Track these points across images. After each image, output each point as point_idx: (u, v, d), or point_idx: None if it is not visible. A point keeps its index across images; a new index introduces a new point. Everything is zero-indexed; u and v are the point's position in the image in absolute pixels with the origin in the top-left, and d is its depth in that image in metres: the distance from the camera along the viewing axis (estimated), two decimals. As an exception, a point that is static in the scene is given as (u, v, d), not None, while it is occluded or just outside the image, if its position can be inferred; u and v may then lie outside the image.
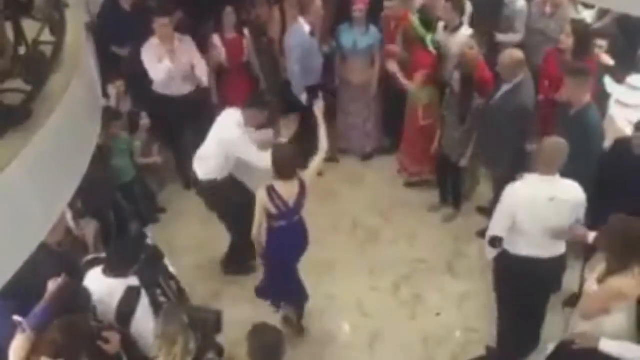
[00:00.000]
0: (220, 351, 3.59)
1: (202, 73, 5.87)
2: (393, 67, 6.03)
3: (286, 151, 4.43)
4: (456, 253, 5.72)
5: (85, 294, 3.54)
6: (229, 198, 5.05)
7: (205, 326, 3.37)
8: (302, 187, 4.40)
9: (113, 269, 3.70)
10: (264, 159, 4.53)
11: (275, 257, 4.61)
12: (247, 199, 4.77)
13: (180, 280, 4.04)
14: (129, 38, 5.99)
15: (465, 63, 5.41)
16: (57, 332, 3.15)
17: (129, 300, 3.63)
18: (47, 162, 2.33)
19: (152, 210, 6.07)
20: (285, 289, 4.80)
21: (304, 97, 6.07)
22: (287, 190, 4.36)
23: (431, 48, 5.80)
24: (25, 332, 3.25)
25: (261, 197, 4.38)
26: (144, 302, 3.66)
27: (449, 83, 5.55)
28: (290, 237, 4.54)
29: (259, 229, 4.49)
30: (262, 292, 4.88)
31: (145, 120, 5.73)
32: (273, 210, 4.38)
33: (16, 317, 3.33)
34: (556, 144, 4.10)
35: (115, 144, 5.38)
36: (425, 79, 5.83)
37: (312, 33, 5.98)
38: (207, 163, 5.06)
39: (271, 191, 4.34)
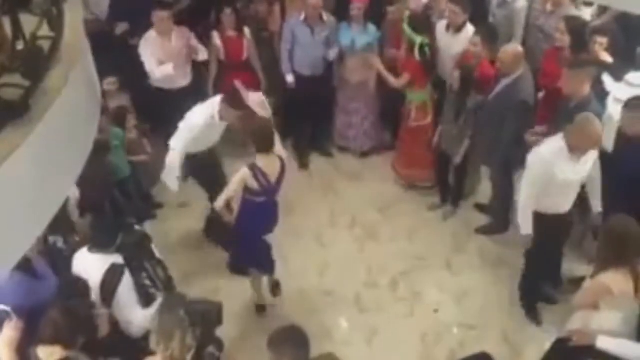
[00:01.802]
0: (220, 345, 3.60)
1: (202, 52, 5.99)
2: (377, 62, 6.07)
3: (263, 123, 4.54)
4: (455, 250, 5.72)
5: (84, 284, 3.64)
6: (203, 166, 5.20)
7: (206, 318, 3.38)
8: (283, 165, 4.54)
9: (96, 244, 3.79)
10: (175, 150, 4.88)
11: (247, 230, 4.68)
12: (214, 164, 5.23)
13: (174, 276, 4.07)
14: (144, 30, 5.98)
15: (467, 60, 5.41)
16: (57, 313, 3.22)
17: (112, 276, 3.70)
18: (45, 157, 2.33)
19: (148, 207, 6.05)
20: (255, 257, 4.84)
21: (289, 78, 6.29)
22: (269, 167, 4.45)
23: (417, 55, 5.72)
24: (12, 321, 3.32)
25: (243, 174, 4.44)
26: (128, 281, 3.73)
27: (446, 81, 5.53)
28: (265, 213, 4.65)
29: (225, 203, 4.55)
30: (233, 262, 4.99)
31: (132, 122, 5.63)
32: (256, 187, 4.46)
33: (1, 307, 3.38)
34: (592, 121, 4.14)
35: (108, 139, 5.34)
36: (408, 83, 5.87)
37: (306, 20, 6.09)
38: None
39: (255, 168, 4.41)
